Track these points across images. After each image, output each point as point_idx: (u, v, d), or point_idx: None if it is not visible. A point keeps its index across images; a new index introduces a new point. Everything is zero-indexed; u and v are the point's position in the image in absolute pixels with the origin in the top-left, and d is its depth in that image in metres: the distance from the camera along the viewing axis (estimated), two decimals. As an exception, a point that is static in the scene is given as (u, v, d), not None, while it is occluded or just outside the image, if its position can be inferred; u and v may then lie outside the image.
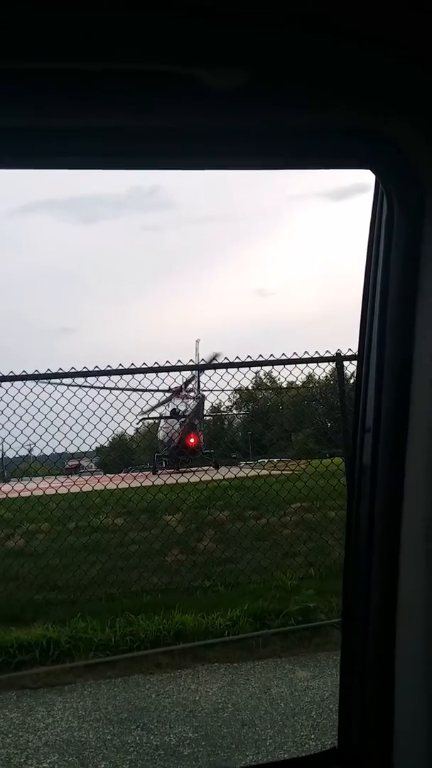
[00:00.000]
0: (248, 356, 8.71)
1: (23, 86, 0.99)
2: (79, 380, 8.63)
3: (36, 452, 10.07)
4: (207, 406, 19.54)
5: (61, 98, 1.03)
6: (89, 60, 0.97)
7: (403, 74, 1.06)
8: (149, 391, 9.16)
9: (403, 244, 1.25)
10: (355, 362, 8.61)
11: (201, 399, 17.78)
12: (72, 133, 1.09)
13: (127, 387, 8.92)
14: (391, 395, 1.29)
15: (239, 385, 10.11)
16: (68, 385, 8.59)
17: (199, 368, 11.14)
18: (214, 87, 1.02)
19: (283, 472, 11.25)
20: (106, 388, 8.75)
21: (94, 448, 10.21)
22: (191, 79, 1.00)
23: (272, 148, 1.19)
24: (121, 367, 8.57)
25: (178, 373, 9.27)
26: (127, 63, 0.98)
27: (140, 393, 9.21)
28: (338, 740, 1.41)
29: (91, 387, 8.66)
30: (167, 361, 8.71)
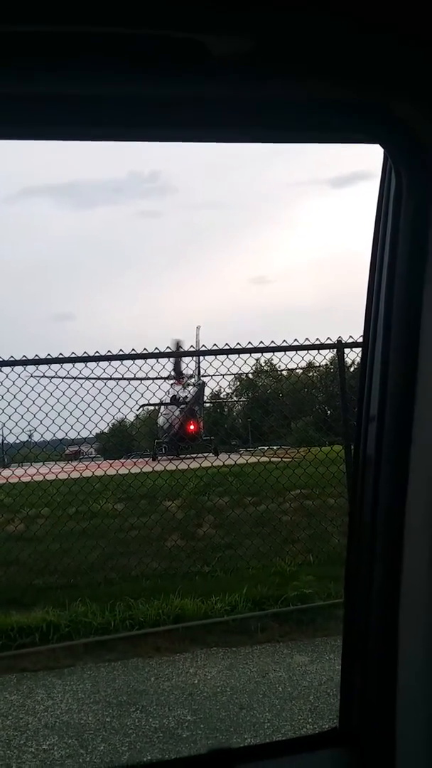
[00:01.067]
0: (249, 342, 8.69)
1: (13, 51, 0.95)
2: (80, 368, 8.59)
3: (36, 438, 10.09)
4: (207, 392, 19.54)
5: (55, 63, 0.98)
6: (85, 23, 0.93)
7: (412, 51, 1.03)
8: (149, 378, 9.15)
9: (411, 223, 1.22)
10: (355, 350, 8.63)
11: (201, 385, 17.79)
12: (63, 102, 1.05)
13: (125, 377, 8.91)
14: (396, 383, 1.26)
15: (239, 371, 10.09)
16: (65, 377, 8.57)
17: (198, 354, 11.12)
18: (216, 54, 0.98)
19: (283, 459, 11.27)
20: (103, 379, 8.73)
21: (94, 434, 10.21)
22: (193, 44, 0.96)
23: (277, 120, 1.15)
24: (121, 353, 8.56)
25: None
26: (125, 26, 0.94)
27: (140, 379, 9.21)
28: (339, 720, 1.41)
29: (87, 378, 8.63)
30: (168, 347, 8.70)
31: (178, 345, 10.05)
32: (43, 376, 8.51)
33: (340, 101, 1.14)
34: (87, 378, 8.60)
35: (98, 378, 8.67)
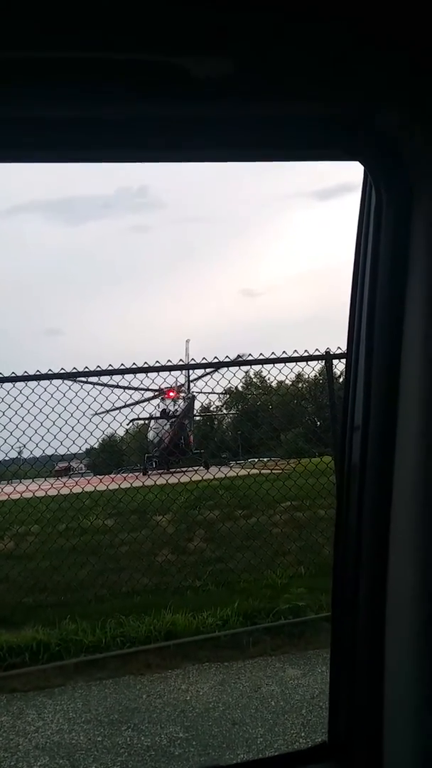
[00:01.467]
0: (238, 355, 8.72)
1: (10, 76, 0.97)
2: (69, 384, 8.57)
3: (26, 454, 10.04)
4: (197, 405, 19.54)
5: (45, 88, 1.00)
6: (74, 49, 0.95)
7: (392, 67, 1.05)
8: (139, 389, 9.15)
9: (391, 238, 1.24)
10: (344, 360, 8.65)
11: (191, 399, 17.79)
12: (55, 125, 1.07)
13: (118, 385, 8.90)
14: (379, 393, 1.28)
15: (229, 385, 10.11)
16: (60, 380, 8.53)
17: (188, 368, 11.14)
18: (200, 76, 1.01)
19: (273, 471, 11.26)
20: (91, 383, 8.71)
21: (84, 449, 10.18)
22: (177, 68, 0.99)
23: (260, 138, 1.18)
24: (110, 367, 8.55)
25: (168, 373, 9.25)
26: (114, 52, 0.97)
27: (130, 393, 9.21)
28: (328, 734, 1.41)
29: (76, 380, 8.61)
30: (157, 361, 8.70)
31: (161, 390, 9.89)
32: (38, 384, 8.46)
33: (319, 119, 1.16)
34: (69, 378, 8.56)
35: (87, 382, 8.65)
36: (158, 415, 17.99)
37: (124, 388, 8.87)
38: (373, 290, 1.28)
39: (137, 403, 9.72)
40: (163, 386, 14.51)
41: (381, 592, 1.26)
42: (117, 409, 8.93)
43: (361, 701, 1.32)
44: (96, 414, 8.69)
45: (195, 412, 20.17)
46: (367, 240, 1.30)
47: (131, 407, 9.30)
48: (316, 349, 8.72)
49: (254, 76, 1.05)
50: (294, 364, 9.08)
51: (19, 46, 0.93)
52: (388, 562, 1.25)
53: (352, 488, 1.35)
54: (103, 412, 8.76)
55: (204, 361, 8.97)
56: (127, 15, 0.92)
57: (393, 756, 1.24)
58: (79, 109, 1.06)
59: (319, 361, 9.04)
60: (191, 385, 18.38)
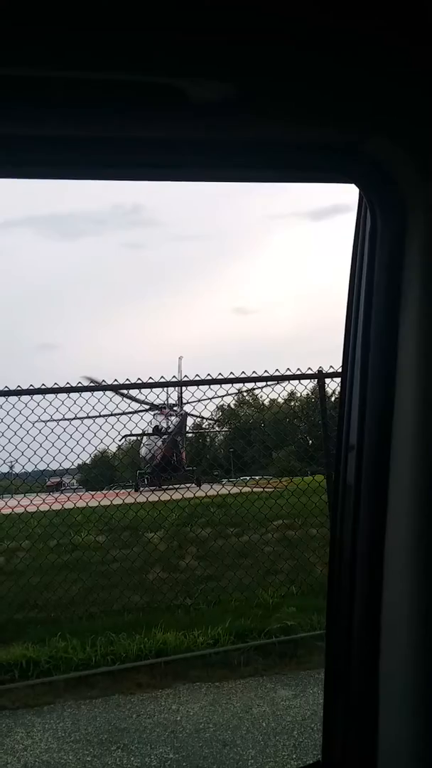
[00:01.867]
0: (231, 373, 8.74)
1: (14, 94, 0.98)
2: (62, 399, 8.56)
3: (17, 469, 10.00)
4: (189, 422, 19.52)
5: (44, 108, 1.02)
6: (82, 69, 0.97)
7: (387, 91, 1.08)
8: (130, 413, 9.15)
9: (387, 259, 1.25)
10: (336, 379, 8.71)
11: (183, 416, 17.77)
12: (61, 143, 1.09)
13: (113, 412, 8.90)
14: (374, 413, 1.28)
15: (222, 402, 10.12)
16: (52, 413, 8.53)
17: (181, 384, 11.15)
18: (197, 99, 1.02)
19: (265, 489, 11.25)
20: (90, 417, 8.71)
21: (76, 465, 10.14)
22: (175, 90, 1.00)
23: (257, 161, 1.19)
24: (103, 383, 8.56)
25: (161, 389, 9.25)
26: (121, 73, 0.98)
27: (122, 408, 9.20)
28: (322, 754, 1.41)
29: (73, 418, 8.61)
30: (150, 378, 8.71)
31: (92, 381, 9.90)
32: (31, 399, 8.45)
33: (314, 143, 1.18)
34: (71, 418, 8.57)
35: (87, 416, 8.64)
36: (150, 431, 17.96)
37: (131, 396, 8.79)
38: (368, 310, 1.29)
39: (133, 412, 9.68)
40: (155, 402, 14.54)
41: (376, 612, 1.26)
42: (109, 416, 8.90)
43: (355, 721, 1.32)
44: (87, 417, 8.65)
45: (187, 429, 20.15)
46: (363, 260, 1.31)
47: (124, 415, 9.24)
48: (309, 368, 8.77)
49: (252, 100, 1.07)
50: (287, 382, 9.12)
51: (17, 64, 0.94)
52: (383, 583, 1.25)
53: (347, 508, 1.35)
54: (95, 417, 8.72)
55: (197, 378, 8.98)
56: (128, 36, 0.93)
57: None
58: (78, 128, 1.07)
59: (312, 380, 9.07)
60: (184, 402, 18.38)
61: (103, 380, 8.69)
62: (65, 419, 8.58)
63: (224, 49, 0.98)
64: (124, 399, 9.23)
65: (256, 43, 0.98)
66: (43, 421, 8.47)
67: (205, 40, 0.96)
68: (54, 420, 8.53)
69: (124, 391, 8.91)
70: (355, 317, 1.34)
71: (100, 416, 8.74)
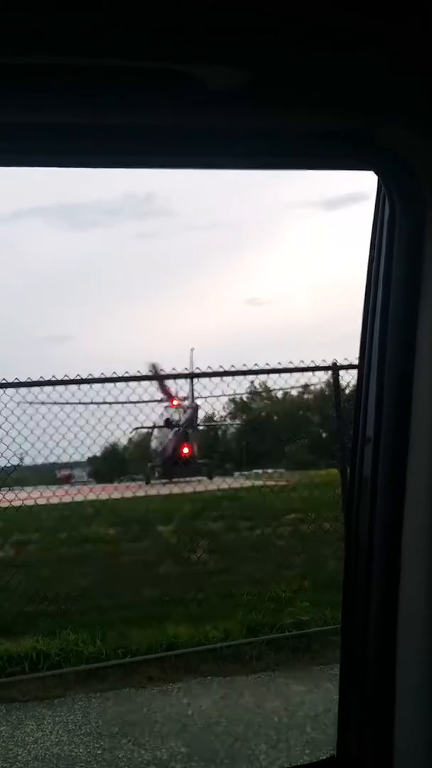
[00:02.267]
0: (244, 365, 8.67)
1: (16, 81, 0.97)
2: (72, 391, 8.53)
3: (28, 461, 9.99)
4: (201, 415, 19.50)
5: (57, 95, 1.01)
6: (87, 56, 0.95)
7: (405, 79, 1.06)
8: (143, 402, 9.11)
9: (406, 248, 1.24)
10: (350, 372, 8.62)
11: (195, 408, 17.75)
12: (66, 131, 1.08)
13: (125, 401, 8.86)
14: (392, 405, 1.28)
15: (234, 394, 10.07)
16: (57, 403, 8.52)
17: (192, 376, 11.11)
18: (214, 86, 1.01)
19: (278, 482, 11.20)
20: (96, 403, 8.68)
21: (86, 457, 10.15)
22: (191, 77, 0.99)
23: (273, 148, 1.19)
24: (114, 375, 8.51)
25: (172, 381, 9.21)
26: (127, 60, 0.97)
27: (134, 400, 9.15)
28: (337, 749, 1.41)
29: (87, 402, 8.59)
30: (161, 369, 8.66)
31: (155, 368, 9.96)
32: (42, 391, 8.44)
33: (334, 129, 1.18)
34: (80, 402, 8.54)
35: (92, 402, 8.62)
36: (162, 423, 17.96)
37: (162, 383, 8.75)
38: (386, 300, 1.28)
39: (147, 401, 9.61)
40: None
41: (392, 606, 1.25)
42: (119, 403, 8.85)
43: (371, 716, 1.31)
44: (93, 403, 8.63)
45: (199, 421, 20.14)
46: (381, 249, 1.31)
47: (134, 404, 9.18)
48: (323, 360, 8.68)
49: (268, 87, 1.06)
50: (300, 374, 9.04)
51: (32, 52, 0.93)
52: (400, 576, 1.24)
53: (363, 502, 1.35)
54: (104, 403, 8.70)
55: (209, 370, 8.91)
56: (144, 23, 0.92)
57: None
58: (88, 116, 1.07)
59: (326, 372, 8.99)
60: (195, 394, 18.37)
61: (114, 372, 8.64)
62: (81, 403, 8.56)
63: (238, 36, 0.96)
64: (141, 384, 9.16)
65: (270, 28, 0.96)
66: (57, 404, 8.45)
67: (218, 27, 0.94)
68: (68, 403, 8.51)
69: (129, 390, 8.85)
70: (373, 308, 1.33)
71: (109, 403, 8.71)
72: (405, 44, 1.00)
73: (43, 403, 8.45)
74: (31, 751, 5.18)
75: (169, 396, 16.49)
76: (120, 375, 8.42)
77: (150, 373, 8.58)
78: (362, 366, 1.37)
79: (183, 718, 5.62)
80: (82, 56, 0.95)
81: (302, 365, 8.68)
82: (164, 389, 14.89)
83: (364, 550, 1.33)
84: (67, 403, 8.53)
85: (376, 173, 1.25)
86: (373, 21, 0.96)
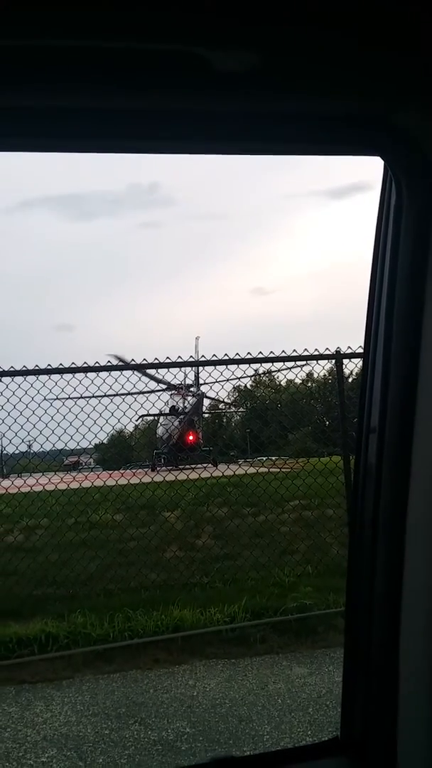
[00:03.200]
0: (248, 353, 8.71)
1: (23, 64, 0.96)
2: (80, 378, 8.59)
3: (36, 448, 10.09)
4: (206, 402, 19.55)
5: (62, 77, 0.99)
6: (93, 38, 0.94)
7: (414, 64, 1.05)
8: (148, 392, 9.17)
9: (412, 236, 1.22)
10: (354, 360, 8.65)
11: (200, 396, 17.80)
12: (71, 114, 1.06)
13: (129, 391, 8.91)
14: (397, 394, 1.26)
15: (238, 383, 10.11)
16: (68, 397, 8.57)
17: (197, 365, 11.15)
18: (222, 69, 1.00)
19: (282, 469, 11.27)
20: (106, 396, 8.73)
21: (93, 444, 10.21)
22: (199, 59, 0.98)
23: (280, 133, 1.16)
24: (120, 363, 8.58)
25: (178, 369, 9.26)
26: (132, 42, 0.96)
27: (140, 388, 9.22)
28: (341, 729, 1.42)
29: (91, 396, 8.64)
30: (167, 357, 8.71)
31: (120, 359, 9.92)
32: (49, 378, 8.49)
33: (340, 114, 1.15)
34: (84, 396, 8.60)
35: (103, 395, 8.68)
36: (167, 411, 18.02)
37: (152, 376, 8.79)
38: (392, 289, 1.26)
39: (150, 392, 9.69)
40: (172, 383, 14.56)
41: (396, 591, 1.26)
42: (125, 394, 8.92)
43: (375, 697, 1.32)
44: (103, 395, 8.68)
45: (204, 409, 20.19)
46: (387, 237, 1.28)
47: (142, 394, 9.26)
48: (327, 348, 8.72)
49: (277, 71, 1.04)
50: (304, 362, 9.08)
51: (40, 34, 0.92)
52: (403, 564, 1.25)
53: (368, 490, 1.34)
54: (112, 395, 8.75)
55: (214, 358, 8.96)
56: (150, 4, 0.91)
57: (407, 753, 1.24)
58: (97, 99, 1.05)
59: (329, 361, 9.02)
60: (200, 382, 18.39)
61: (133, 359, 8.69)
62: (82, 397, 8.62)
63: (246, 18, 0.95)
64: (141, 379, 9.24)
65: (279, 10, 0.95)
66: (61, 399, 8.52)
67: (226, 9, 0.93)
68: (71, 398, 8.58)
69: (151, 371, 8.91)
70: (378, 297, 1.31)
71: (117, 395, 8.77)
72: (416, 29, 0.99)
73: (56, 398, 8.51)
74: (40, 732, 5.30)
75: (171, 386, 16.53)
76: (127, 363, 8.49)
77: (163, 361, 8.60)
78: (367, 355, 1.35)
79: (188, 699, 5.74)
80: (86, 39, 0.94)
81: (306, 353, 8.73)
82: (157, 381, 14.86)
83: (368, 537, 1.33)
84: (72, 397, 8.59)
85: (384, 159, 1.23)
86: (384, 5, 0.95)
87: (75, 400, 8.67)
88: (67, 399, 8.54)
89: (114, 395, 8.73)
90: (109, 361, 8.62)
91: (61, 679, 6.30)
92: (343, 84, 1.09)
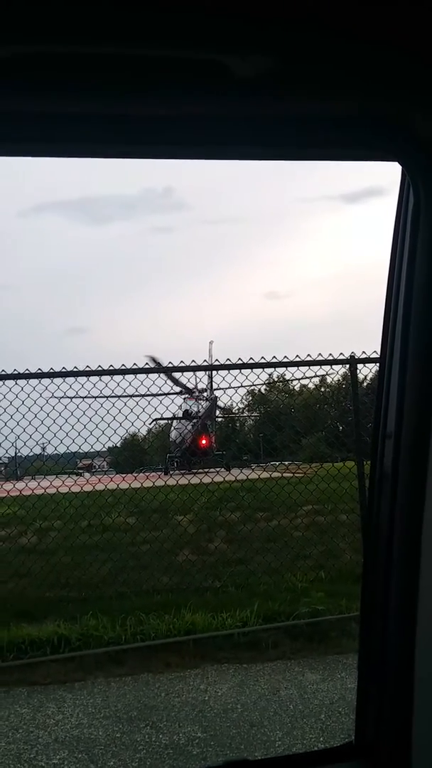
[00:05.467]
0: (262, 357, 8.71)
1: (43, 71, 0.97)
2: (94, 382, 8.63)
3: (49, 451, 10.13)
4: (219, 406, 19.53)
5: (84, 84, 1.00)
6: (108, 45, 0.95)
7: (431, 69, 1.05)
8: (161, 395, 9.19)
9: (430, 239, 1.22)
10: (369, 365, 8.60)
11: (213, 400, 17.79)
12: (93, 120, 1.07)
13: (144, 393, 8.93)
14: (413, 401, 1.26)
15: (252, 387, 10.10)
16: (83, 397, 8.61)
17: (211, 369, 11.15)
18: (239, 74, 1.00)
19: (295, 474, 11.23)
20: (117, 396, 8.76)
21: (106, 447, 10.25)
22: (219, 65, 0.98)
23: (297, 137, 1.17)
24: (134, 367, 8.60)
25: (192, 373, 9.27)
26: (151, 49, 0.96)
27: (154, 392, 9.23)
28: (355, 734, 1.42)
29: (105, 396, 8.68)
30: (181, 361, 8.72)
31: (154, 360, 10.00)
32: (64, 381, 8.54)
33: (359, 119, 1.15)
34: (99, 396, 8.64)
35: (113, 396, 8.71)
36: (181, 415, 18.03)
37: (174, 378, 8.80)
38: (409, 292, 1.26)
39: (164, 394, 9.69)
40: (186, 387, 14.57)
41: (412, 595, 1.26)
42: (139, 396, 8.94)
43: (389, 703, 1.32)
44: (116, 397, 8.71)
45: (217, 413, 20.18)
46: (404, 241, 1.28)
47: (155, 397, 9.27)
48: (341, 353, 8.69)
49: (295, 76, 1.05)
50: (318, 367, 9.06)
51: (56, 41, 0.93)
52: (419, 570, 1.25)
53: (384, 496, 1.34)
54: (125, 397, 8.78)
55: (227, 363, 8.97)
56: (168, 11, 0.91)
57: (421, 759, 1.23)
58: (117, 106, 1.06)
59: (343, 365, 8.99)
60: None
61: (170, 362, 8.72)
62: (92, 396, 8.66)
63: (264, 23, 0.95)
64: (167, 382, 9.23)
65: (300, 16, 0.95)
66: (74, 398, 8.56)
67: (245, 15, 0.94)
68: (85, 397, 8.62)
69: (176, 375, 8.93)
70: (395, 302, 1.31)
71: (126, 395, 8.79)
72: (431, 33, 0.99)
73: (70, 398, 8.55)
74: (52, 733, 5.31)
75: (187, 390, 16.56)
76: (140, 367, 8.52)
77: (154, 365, 8.65)
78: (384, 361, 1.35)
79: (200, 703, 5.72)
80: (102, 46, 0.95)
81: (320, 358, 8.71)
82: (176, 383, 14.87)
83: (384, 543, 1.33)
84: (89, 396, 8.63)
85: (402, 164, 1.24)
86: (402, 11, 0.96)
87: (89, 402, 8.71)
88: (85, 398, 8.58)
89: (127, 396, 8.75)
90: (135, 364, 8.63)
91: (72, 681, 6.31)
92: (360, 89, 1.09)
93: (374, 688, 1.38)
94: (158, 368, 8.73)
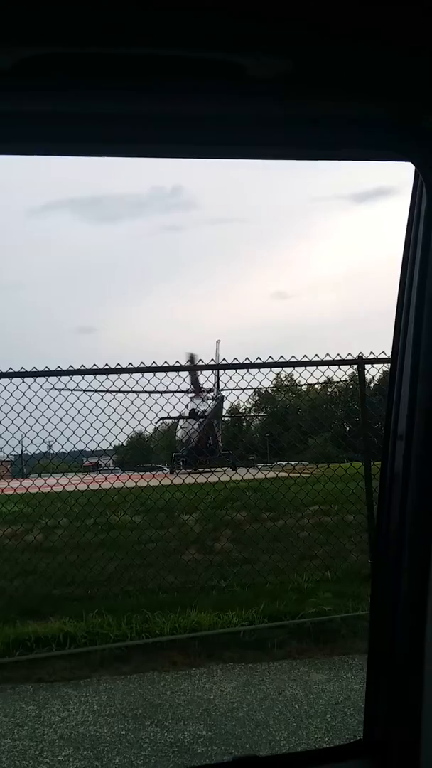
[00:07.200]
0: (270, 357, 8.70)
1: (60, 71, 0.98)
2: (101, 380, 8.64)
3: (56, 449, 10.16)
4: (226, 406, 19.56)
5: (102, 84, 1.01)
6: (120, 45, 0.95)
7: None
8: (168, 392, 9.20)
9: None
10: (376, 366, 8.58)
11: (220, 399, 17.80)
12: (111, 119, 1.08)
13: (146, 390, 8.95)
14: (424, 402, 1.25)
15: (259, 386, 10.09)
16: (92, 390, 8.63)
17: (218, 368, 11.14)
18: (253, 75, 1.01)
19: (302, 474, 11.22)
20: (123, 392, 8.79)
21: (112, 446, 10.26)
22: (235, 66, 0.99)
23: (310, 138, 1.18)
24: (142, 365, 8.61)
25: (199, 372, 9.27)
26: (169, 49, 0.97)
27: (161, 390, 9.24)
28: (364, 732, 1.42)
29: (113, 390, 8.70)
30: (188, 360, 8.72)
31: (192, 358, 10.13)
32: (65, 388, 8.58)
33: (372, 120, 1.16)
34: (105, 390, 8.66)
35: (119, 391, 8.73)
36: (187, 414, 18.05)
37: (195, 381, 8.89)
38: (421, 294, 1.26)
39: (172, 392, 9.71)
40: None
41: (422, 595, 1.26)
42: (146, 392, 8.95)
43: (398, 701, 1.32)
44: (122, 393, 8.73)
45: (224, 412, 20.20)
46: (417, 241, 1.28)
47: (161, 394, 9.28)
48: (349, 353, 8.66)
49: (310, 76, 1.05)
50: (325, 367, 9.03)
51: (74, 42, 0.94)
52: (429, 570, 1.25)
53: (394, 496, 1.34)
54: (131, 392, 8.80)
55: (234, 362, 8.96)
56: (186, 12, 0.92)
57: (430, 755, 1.24)
58: (135, 105, 1.07)
59: (351, 366, 8.96)
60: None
61: (177, 361, 8.76)
62: (102, 391, 8.68)
63: (281, 26, 0.96)
64: (185, 380, 9.25)
65: (313, 20, 0.95)
66: (87, 391, 8.58)
67: (262, 17, 0.94)
68: (98, 391, 8.63)
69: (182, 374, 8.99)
70: (407, 303, 1.31)
71: (137, 392, 8.80)
72: None
73: (72, 390, 8.58)
74: (57, 731, 5.31)
75: (198, 389, 16.58)
76: (147, 365, 8.52)
77: (185, 364, 8.65)
78: (395, 362, 1.35)
79: (205, 702, 5.72)
80: (114, 46, 0.95)
81: (327, 358, 8.69)
82: (196, 382, 14.93)
83: (394, 542, 1.33)
84: (96, 390, 8.65)
85: (415, 164, 1.24)
86: (415, 13, 0.96)
87: (96, 400, 8.73)
88: (93, 392, 8.60)
89: (135, 393, 8.76)
90: (165, 361, 8.64)
91: (78, 679, 6.33)
92: (373, 90, 1.10)
93: (383, 686, 1.38)
94: (165, 367, 8.71)
